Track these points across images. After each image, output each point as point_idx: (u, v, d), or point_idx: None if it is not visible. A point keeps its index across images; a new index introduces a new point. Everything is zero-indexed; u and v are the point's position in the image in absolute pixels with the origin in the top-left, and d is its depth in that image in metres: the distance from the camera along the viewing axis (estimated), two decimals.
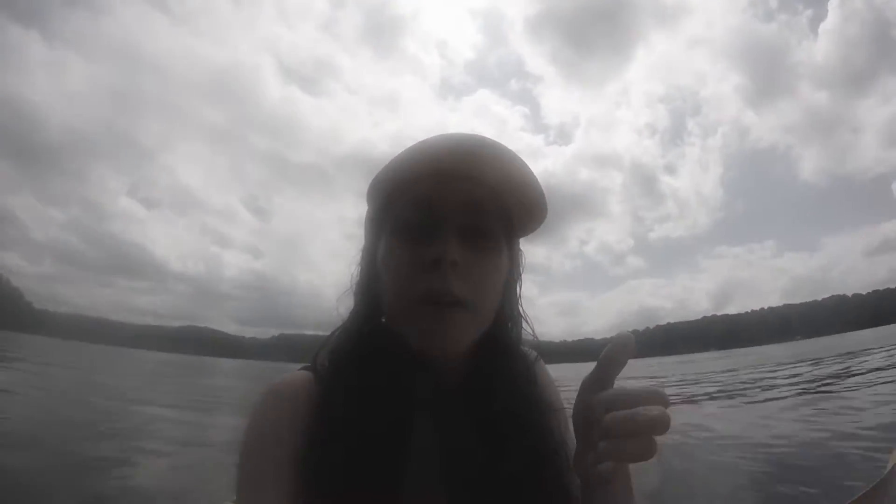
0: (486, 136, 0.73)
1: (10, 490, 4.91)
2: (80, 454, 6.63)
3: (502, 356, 0.79)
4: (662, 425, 0.53)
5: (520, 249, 0.84)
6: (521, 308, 0.84)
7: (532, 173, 0.75)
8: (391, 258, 0.74)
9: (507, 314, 0.82)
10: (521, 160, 0.75)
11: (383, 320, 0.79)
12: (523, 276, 0.84)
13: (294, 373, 0.78)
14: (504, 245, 0.77)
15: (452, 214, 0.72)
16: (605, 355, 0.62)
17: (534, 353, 0.86)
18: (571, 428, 0.68)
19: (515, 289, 0.83)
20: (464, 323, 0.71)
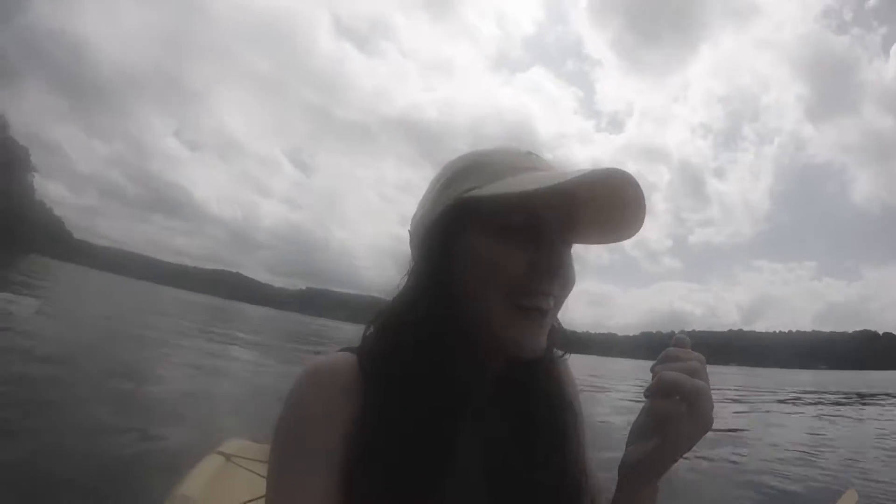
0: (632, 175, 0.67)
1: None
2: (96, 385, 7.08)
3: (541, 361, 0.78)
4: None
5: None
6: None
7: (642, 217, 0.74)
8: (500, 255, 0.69)
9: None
10: (643, 205, 0.72)
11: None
12: None
13: (336, 355, 0.74)
14: None
15: (565, 232, 0.73)
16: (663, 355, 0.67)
17: (560, 352, 0.86)
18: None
19: None
20: (549, 325, 0.73)
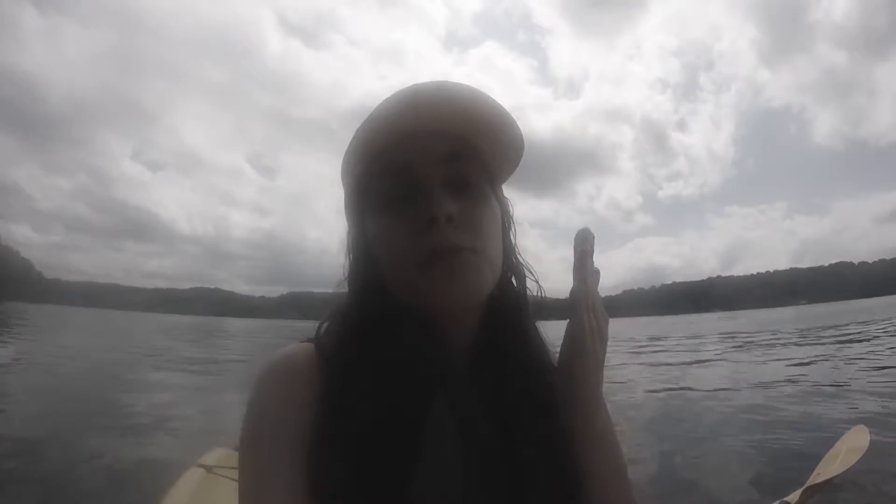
0: (453, 80, 0.70)
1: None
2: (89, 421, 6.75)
3: (512, 327, 0.76)
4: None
5: (505, 198, 0.81)
6: (519, 256, 0.81)
7: (504, 112, 0.72)
8: (386, 231, 0.70)
9: (507, 266, 0.78)
10: (492, 100, 0.71)
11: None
12: (514, 224, 0.81)
13: (294, 346, 0.73)
14: (490, 193, 0.74)
15: (432, 172, 0.69)
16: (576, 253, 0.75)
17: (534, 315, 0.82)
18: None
19: (510, 238, 0.80)
20: (475, 267, 0.68)
